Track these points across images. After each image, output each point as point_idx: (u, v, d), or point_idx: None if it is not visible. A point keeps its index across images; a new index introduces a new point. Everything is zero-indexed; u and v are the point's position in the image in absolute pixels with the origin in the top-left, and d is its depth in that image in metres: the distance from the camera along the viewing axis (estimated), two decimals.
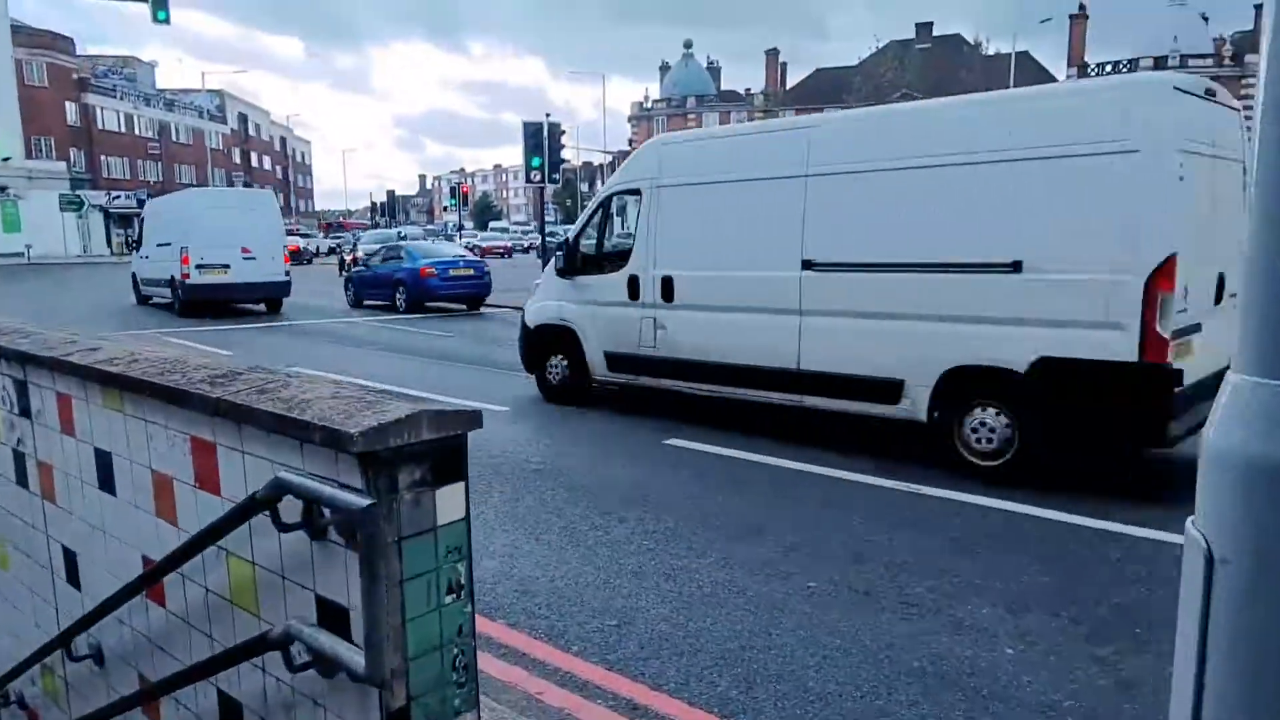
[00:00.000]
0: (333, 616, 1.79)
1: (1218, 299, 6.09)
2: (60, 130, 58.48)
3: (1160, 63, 55.84)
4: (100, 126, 62.57)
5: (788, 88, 71.74)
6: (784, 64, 73.16)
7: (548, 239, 23.30)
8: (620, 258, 8.75)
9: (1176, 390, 5.52)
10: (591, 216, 9.20)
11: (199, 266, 18.19)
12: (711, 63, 77.73)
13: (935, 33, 65.31)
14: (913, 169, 6.48)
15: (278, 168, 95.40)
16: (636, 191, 8.53)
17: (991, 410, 6.26)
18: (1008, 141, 6.05)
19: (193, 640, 2.28)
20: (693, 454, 7.16)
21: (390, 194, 67.44)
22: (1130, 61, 56.97)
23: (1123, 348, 5.54)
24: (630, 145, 76.70)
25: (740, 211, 7.59)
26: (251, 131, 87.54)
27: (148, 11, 19.68)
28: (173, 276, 18.80)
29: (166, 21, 19.51)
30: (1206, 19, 58.87)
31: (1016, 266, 5.96)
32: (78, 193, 55.71)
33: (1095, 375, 5.70)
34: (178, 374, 2.17)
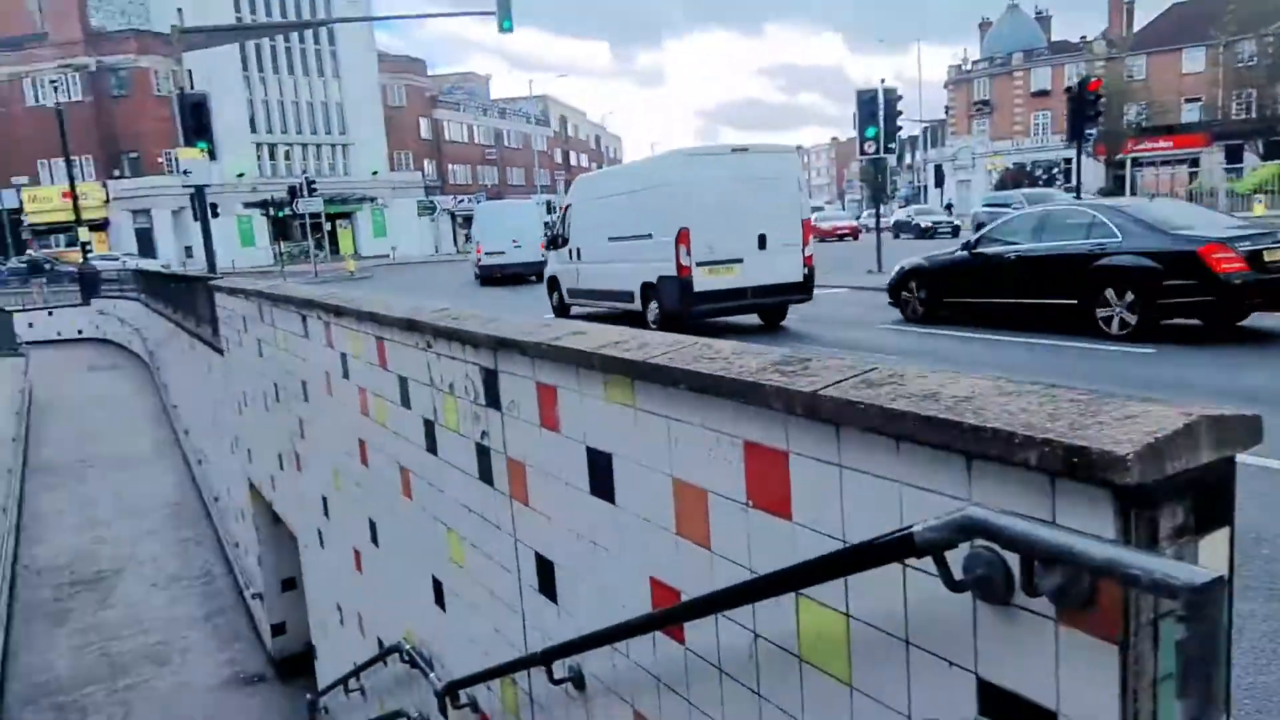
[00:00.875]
0: (1013, 715, 1.21)
1: (762, 246, 11.09)
2: (416, 144, 65.95)
3: None
4: (447, 138, 69.77)
5: (1135, 30, 63.43)
6: (1129, 3, 64.74)
7: (881, 218, 23.58)
8: (567, 239, 14.91)
9: (694, 290, 11.08)
10: (561, 216, 15.35)
11: (487, 253, 27.02)
12: (1040, 12, 70.62)
13: None
14: (626, 193, 12.55)
15: (593, 164, 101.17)
16: (570, 205, 15.13)
17: (653, 303, 11.82)
18: (641, 182, 12.19)
19: (725, 691, 1.83)
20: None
21: None
22: None
23: (672, 269, 10.92)
24: (946, 113, 72.00)
25: (596, 213, 13.60)
26: (571, 132, 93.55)
27: (471, 27, 21.14)
28: (475, 260, 28.64)
29: (510, 30, 20.79)
30: None
31: (649, 235, 11.59)
32: (430, 199, 62.61)
33: (668, 282, 11.16)
34: (718, 360, 1.72)
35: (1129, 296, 8.80)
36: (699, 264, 10.85)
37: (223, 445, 10.08)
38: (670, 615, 1.89)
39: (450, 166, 70.26)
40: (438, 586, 3.51)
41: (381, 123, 60.97)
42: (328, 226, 49.93)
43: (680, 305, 11.11)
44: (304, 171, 46.43)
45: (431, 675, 3.51)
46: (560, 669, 2.45)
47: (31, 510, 14.14)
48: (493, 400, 2.70)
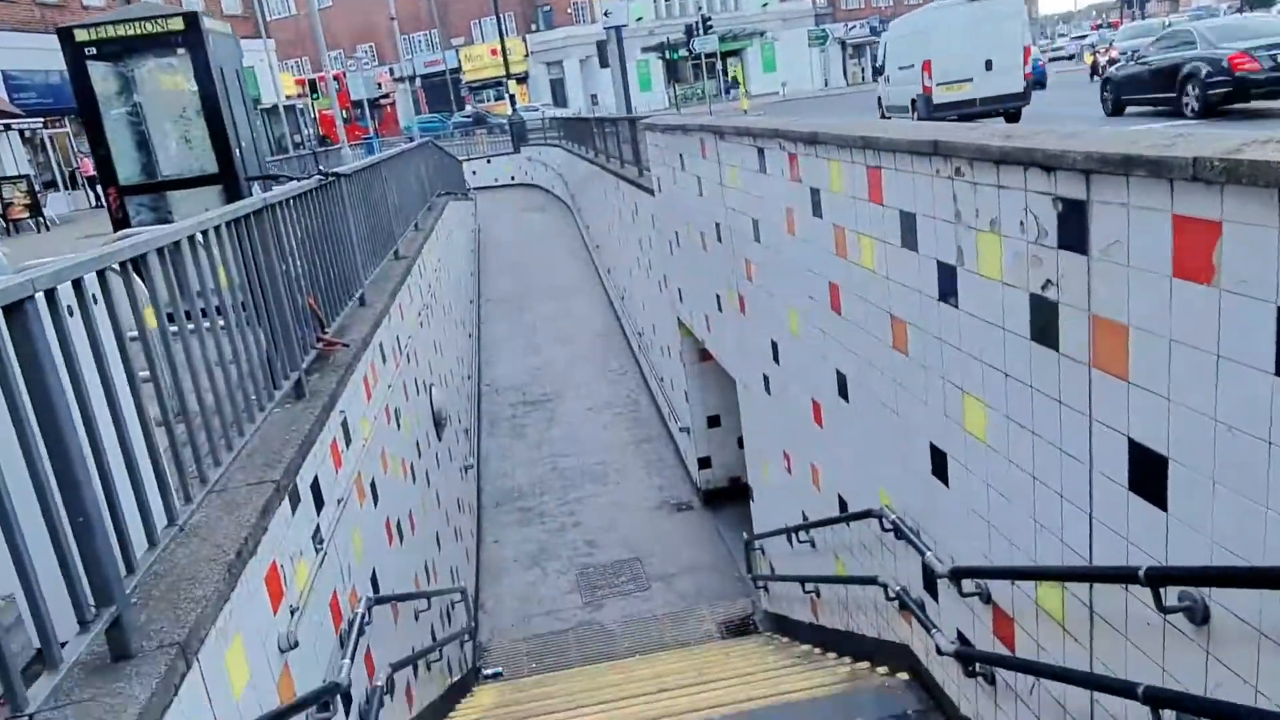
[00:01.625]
0: None
1: (988, 68, 14.60)
2: None
3: None
4: None
5: None
6: None
7: None
8: (884, 69, 18.56)
9: (934, 102, 14.78)
10: (884, 49, 18.46)
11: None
12: None
13: None
14: (903, 36, 17.21)
15: None
16: (884, 44, 18.90)
17: (915, 111, 15.58)
18: (909, 28, 16.91)
19: None
20: None
21: None
22: None
23: (920, 90, 15.14)
24: None
25: (892, 50, 17.65)
26: None
27: None
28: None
29: None
30: None
31: (913, 66, 15.70)
32: (821, 27, 59.76)
33: (920, 98, 15.16)
34: None
35: (1193, 90, 12.27)
36: (938, 84, 14.96)
37: (649, 284, 10.47)
38: None
39: None
40: (938, 457, 3.06)
41: None
42: (719, 66, 49.88)
43: (927, 113, 15.03)
44: (699, 9, 46.39)
45: (929, 554, 3.12)
46: (1172, 595, 1.88)
47: (487, 336, 16.21)
48: (1073, 241, 2.07)
